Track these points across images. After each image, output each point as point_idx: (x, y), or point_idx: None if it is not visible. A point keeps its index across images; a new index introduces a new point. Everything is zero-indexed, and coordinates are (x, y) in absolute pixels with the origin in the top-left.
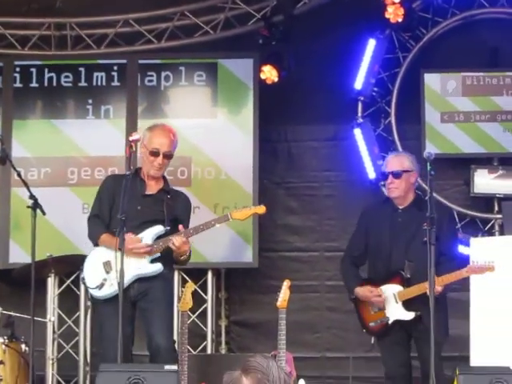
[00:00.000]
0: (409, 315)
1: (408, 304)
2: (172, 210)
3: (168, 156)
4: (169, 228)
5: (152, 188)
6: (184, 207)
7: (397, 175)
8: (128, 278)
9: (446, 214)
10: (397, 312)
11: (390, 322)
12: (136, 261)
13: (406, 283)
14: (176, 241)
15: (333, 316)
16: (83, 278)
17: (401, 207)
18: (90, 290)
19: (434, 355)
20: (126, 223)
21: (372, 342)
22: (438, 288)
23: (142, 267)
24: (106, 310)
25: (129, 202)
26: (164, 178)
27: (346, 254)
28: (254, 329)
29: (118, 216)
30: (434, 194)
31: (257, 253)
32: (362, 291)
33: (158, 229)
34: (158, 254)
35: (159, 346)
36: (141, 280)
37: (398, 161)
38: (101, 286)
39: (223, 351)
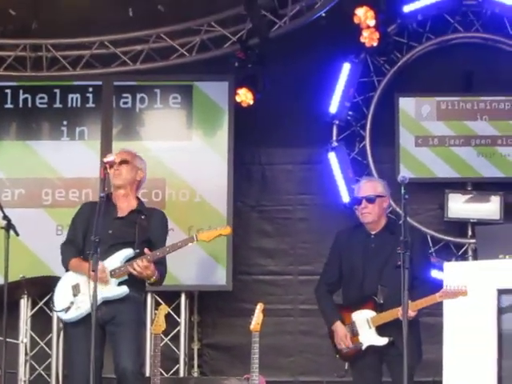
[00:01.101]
0: (382, 341)
1: (381, 329)
2: (145, 230)
3: (124, 161)
4: (138, 251)
5: (123, 210)
6: (159, 225)
7: (370, 200)
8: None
9: (419, 237)
10: (370, 338)
11: (363, 347)
12: (103, 284)
13: (378, 308)
14: (137, 265)
15: (306, 340)
16: (52, 302)
17: (373, 232)
18: (57, 313)
19: (407, 379)
20: (98, 249)
21: (346, 367)
22: (411, 313)
23: (108, 290)
24: (73, 333)
25: (102, 226)
26: (138, 199)
27: (320, 281)
28: (226, 352)
29: (92, 238)
30: (408, 219)
31: (231, 276)
32: (339, 332)
33: (127, 252)
34: (126, 277)
35: (125, 370)
36: (109, 303)
37: (371, 186)
38: (67, 309)
39: (195, 374)
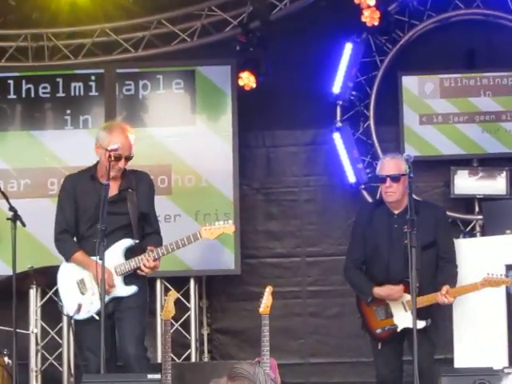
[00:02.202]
0: (418, 324)
1: (417, 313)
2: (136, 206)
3: (129, 158)
4: (138, 241)
5: (112, 189)
6: (146, 196)
7: (395, 179)
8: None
9: (443, 216)
10: (406, 321)
11: (398, 329)
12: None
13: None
14: (144, 267)
15: (315, 322)
16: (61, 306)
17: (396, 212)
18: (69, 317)
19: (428, 356)
20: (95, 230)
21: (379, 347)
22: (451, 300)
23: (116, 289)
24: (85, 330)
25: (91, 210)
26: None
27: (348, 260)
28: (236, 336)
29: (98, 226)
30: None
31: (239, 260)
32: (384, 290)
33: (127, 242)
34: (130, 273)
35: (128, 355)
36: (117, 298)
37: (395, 164)
38: (77, 311)
39: (206, 359)
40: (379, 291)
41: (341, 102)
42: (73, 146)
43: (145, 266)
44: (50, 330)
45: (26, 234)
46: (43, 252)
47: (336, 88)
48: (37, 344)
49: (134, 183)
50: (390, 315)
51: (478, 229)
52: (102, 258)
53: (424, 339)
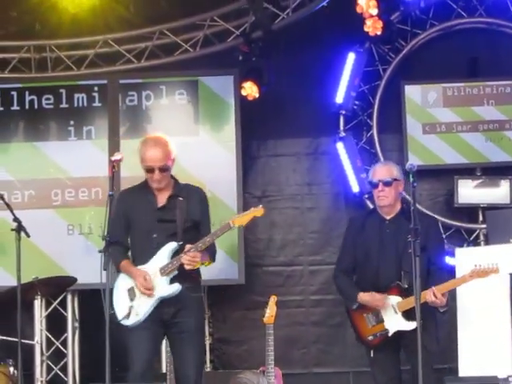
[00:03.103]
0: (410, 325)
1: (408, 314)
2: (186, 215)
3: (164, 169)
4: (181, 243)
5: (163, 197)
6: (199, 205)
7: (387, 183)
8: (151, 303)
9: (434, 224)
10: (397, 323)
11: (390, 334)
12: (156, 284)
13: (404, 293)
14: (185, 259)
15: (319, 331)
16: (114, 313)
17: (388, 217)
18: (120, 321)
19: (424, 364)
20: (147, 242)
21: (371, 355)
22: (440, 297)
23: (161, 289)
24: (135, 335)
25: (144, 219)
26: (173, 178)
27: (337, 268)
28: (238, 346)
29: (105, 236)
30: (418, 206)
31: (243, 269)
32: (367, 297)
33: (172, 246)
34: (176, 272)
35: (189, 378)
36: (170, 304)
37: (387, 169)
38: (128, 316)
39: (208, 369)
40: (363, 296)
41: (344, 112)
42: (76, 157)
43: (185, 260)
44: (54, 341)
45: (30, 244)
46: (47, 263)
47: (339, 98)
48: (42, 354)
49: (185, 193)
50: (380, 320)
51: (481, 238)
52: (105, 269)
53: (416, 346)
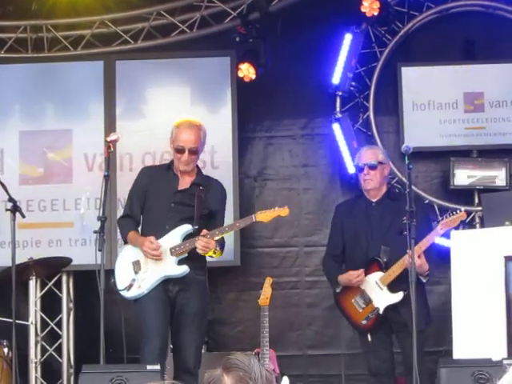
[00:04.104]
0: (397, 297)
1: (392, 287)
2: (204, 203)
3: (194, 152)
4: (197, 227)
5: (185, 182)
6: (217, 197)
7: (372, 167)
8: (155, 279)
9: (420, 205)
10: (385, 298)
11: (381, 311)
12: (163, 261)
13: (384, 267)
14: (200, 242)
15: (314, 312)
16: (114, 282)
17: (374, 200)
18: (120, 292)
19: (416, 344)
20: (161, 220)
21: (369, 339)
22: (418, 260)
23: (168, 268)
24: (143, 307)
25: (162, 198)
26: (197, 167)
27: (326, 253)
28: (233, 327)
29: (99, 217)
30: (414, 188)
31: (239, 251)
32: (345, 277)
33: (186, 228)
34: (186, 255)
35: (187, 369)
36: (176, 283)
37: (372, 153)
38: (129, 288)
39: (202, 350)
40: (342, 278)
41: (340, 93)
42: None
43: (200, 245)
44: (49, 321)
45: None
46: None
47: (335, 79)
48: (36, 335)
49: (207, 183)
50: (368, 301)
51: (477, 220)
52: (101, 250)
53: (410, 331)
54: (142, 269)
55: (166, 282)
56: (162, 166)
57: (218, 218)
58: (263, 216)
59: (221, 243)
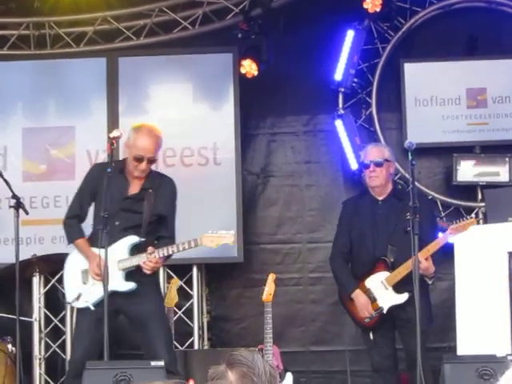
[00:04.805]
0: (402, 297)
1: (398, 287)
2: (153, 209)
3: (152, 161)
4: (144, 240)
5: (135, 187)
6: (167, 199)
7: (378, 164)
8: (101, 294)
9: (425, 202)
10: (390, 298)
11: (384, 311)
12: (111, 275)
13: (390, 267)
14: (147, 265)
15: (317, 309)
16: (63, 287)
17: (380, 198)
18: (68, 303)
19: (419, 343)
20: (107, 225)
21: (371, 337)
22: (424, 262)
23: (115, 283)
24: (80, 320)
25: (111, 201)
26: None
27: (334, 251)
28: (236, 324)
29: (101, 214)
30: (417, 184)
31: (242, 247)
32: (360, 301)
33: (133, 239)
34: (133, 269)
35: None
36: (127, 294)
37: (378, 150)
38: (76, 299)
39: (206, 347)
40: (356, 296)
41: (343, 90)
42: None
43: (145, 264)
44: (53, 318)
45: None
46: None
47: (338, 75)
48: (40, 332)
49: (156, 184)
50: (373, 300)
51: (480, 216)
52: (104, 246)
53: (413, 328)
54: (90, 280)
55: (112, 296)
56: (116, 165)
57: (166, 225)
58: (209, 240)
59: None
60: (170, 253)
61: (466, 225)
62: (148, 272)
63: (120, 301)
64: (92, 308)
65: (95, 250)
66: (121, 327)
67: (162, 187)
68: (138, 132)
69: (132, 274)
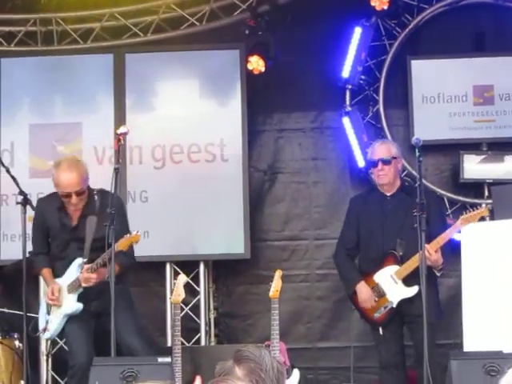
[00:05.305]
0: (412, 291)
1: (408, 281)
2: (97, 233)
3: (81, 192)
4: (86, 260)
5: (75, 216)
6: (116, 215)
7: (386, 162)
8: (58, 320)
9: (435, 199)
10: (399, 292)
11: (394, 305)
12: (64, 301)
13: (400, 261)
14: (82, 280)
15: (323, 305)
16: (36, 320)
17: (389, 194)
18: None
19: (427, 339)
20: (62, 254)
21: (380, 332)
22: (434, 255)
23: (65, 307)
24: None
25: (59, 235)
26: (88, 190)
27: (339, 246)
28: (243, 320)
29: (108, 210)
30: (424, 181)
31: (249, 244)
32: (363, 293)
33: (78, 262)
34: (81, 290)
35: (136, 348)
36: (92, 297)
37: (385, 148)
38: (43, 331)
39: (213, 343)
40: (360, 288)
41: (350, 86)
42: None
43: (80, 279)
44: None
45: None
46: None
47: (345, 72)
48: None
49: (97, 206)
50: (382, 294)
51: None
52: (110, 244)
53: (421, 323)
54: (51, 310)
55: (86, 300)
56: (56, 198)
57: (118, 236)
58: (121, 244)
59: (122, 261)
60: (99, 265)
61: (476, 214)
62: (87, 284)
63: (93, 305)
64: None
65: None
66: None
67: (104, 207)
68: (58, 169)
69: (89, 292)
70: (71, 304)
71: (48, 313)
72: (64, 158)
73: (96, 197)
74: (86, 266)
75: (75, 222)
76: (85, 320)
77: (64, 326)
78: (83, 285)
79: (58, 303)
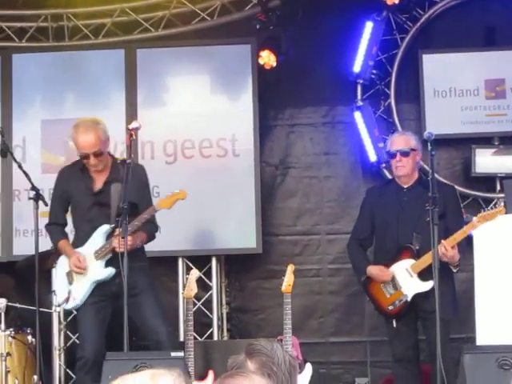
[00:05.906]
0: (427, 285)
1: (423, 275)
2: (121, 199)
3: (98, 154)
4: (114, 226)
5: (100, 181)
6: (137, 186)
7: (405, 153)
8: (86, 288)
9: (453, 193)
10: (414, 285)
11: (409, 299)
12: (90, 268)
13: (416, 255)
14: (115, 243)
15: (336, 300)
16: (54, 292)
17: (406, 186)
18: (60, 306)
19: (441, 334)
20: (85, 222)
21: (394, 325)
22: (451, 250)
23: (95, 273)
24: (80, 315)
25: (82, 201)
26: (112, 158)
27: (352, 237)
28: (255, 315)
29: (121, 205)
30: (436, 175)
31: (260, 238)
32: (375, 271)
33: (105, 228)
34: (110, 255)
35: (161, 333)
36: (117, 277)
37: (404, 139)
38: (66, 300)
39: (225, 338)
40: (372, 270)
41: (361, 81)
42: None
43: (113, 243)
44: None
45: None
46: None
47: (356, 67)
48: (60, 323)
49: (122, 174)
50: (397, 287)
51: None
52: (124, 236)
53: (435, 320)
54: (75, 279)
55: (111, 286)
56: (78, 166)
57: (142, 208)
58: (164, 202)
59: (148, 229)
60: (134, 228)
61: (494, 213)
62: (120, 250)
63: (115, 284)
64: (79, 304)
65: (78, 250)
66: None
67: (132, 177)
68: (75, 131)
69: (113, 260)
70: (101, 270)
71: (70, 283)
72: (82, 120)
73: (120, 166)
74: (118, 230)
75: (99, 186)
76: (101, 306)
77: (79, 309)
78: (117, 249)
79: (85, 271)
